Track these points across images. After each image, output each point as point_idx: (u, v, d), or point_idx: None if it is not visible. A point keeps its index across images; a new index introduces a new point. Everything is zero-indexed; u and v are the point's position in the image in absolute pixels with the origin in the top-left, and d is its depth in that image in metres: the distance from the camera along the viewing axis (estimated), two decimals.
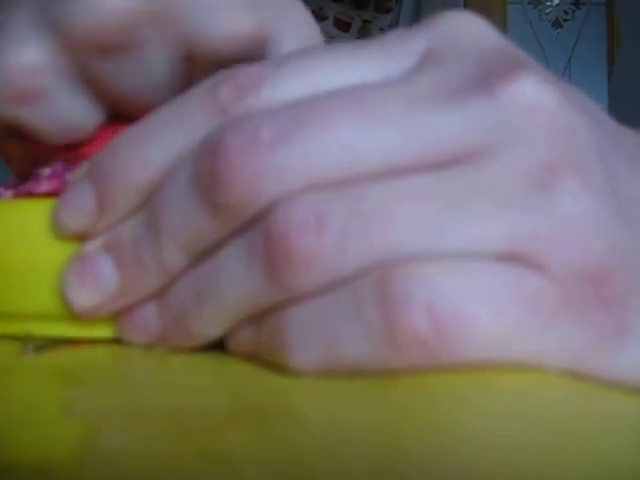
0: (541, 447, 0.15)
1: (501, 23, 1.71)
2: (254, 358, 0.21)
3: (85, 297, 0.23)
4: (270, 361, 0.20)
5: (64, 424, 0.18)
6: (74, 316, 0.24)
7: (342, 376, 0.19)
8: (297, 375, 0.20)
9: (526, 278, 0.19)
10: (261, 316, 0.21)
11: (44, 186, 0.26)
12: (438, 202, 0.19)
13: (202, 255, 0.21)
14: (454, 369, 0.19)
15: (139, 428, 0.17)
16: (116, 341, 0.24)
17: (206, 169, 0.20)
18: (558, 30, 1.81)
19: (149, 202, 0.22)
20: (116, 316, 0.23)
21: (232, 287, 0.21)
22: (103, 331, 0.24)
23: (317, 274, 0.19)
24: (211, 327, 0.21)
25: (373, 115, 0.20)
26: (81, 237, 0.23)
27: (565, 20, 1.82)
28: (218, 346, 0.22)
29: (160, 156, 0.22)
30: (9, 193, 0.27)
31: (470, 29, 0.22)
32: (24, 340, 0.24)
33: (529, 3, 1.81)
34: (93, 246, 0.23)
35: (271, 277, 0.20)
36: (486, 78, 0.20)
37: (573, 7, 1.81)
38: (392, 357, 0.19)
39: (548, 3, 1.81)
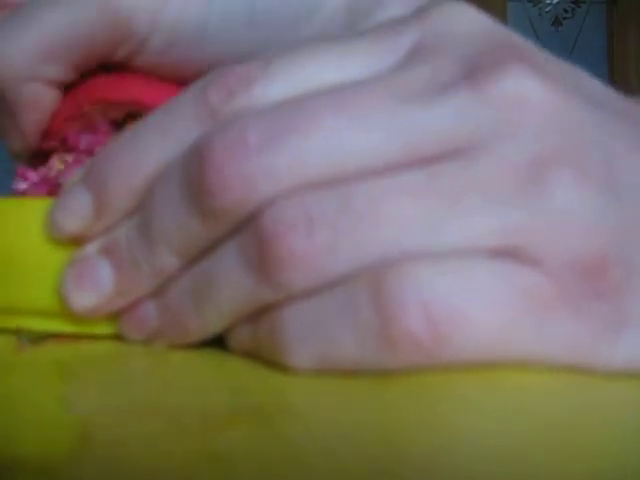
0: (541, 445, 0.15)
1: (500, 21, 1.70)
2: (253, 355, 0.21)
3: (84, 299, 0.23)
4: (269, 359, 0.21)
5: (63, 421, 0.18)
6: (71, 312, 0.24)
7: (342, 375, 0.19)
8: (297, 374, 0.20)
9: (520, 274, 0.19)
10: (258, 314, 0.21)
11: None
12: (429, 199, 0.19)
13: (196, 257, 0.21)
14: (453, 368, 0.19)
15: (138, 426, 0.17)
16: (116, 337, 0.24)
17: (195, 174, 0.20)
18: (558, 28, 1.81)
19: (141, 206, 0.22)
20: (115, 313, 0.23)
21: (228, 287, 0.21)
22: (102, 328, 0.24)
23: (309, 274, 0.19)
24: (208, 325, 0.22)
25: (360, 113, 0.20)
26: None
27: (565, 18, 1.82)
28: (218, 343, 0.22)
29: (154, 161, 0.22)
30: None
31: (462, 20, 0.22)
32: (19, 333, 0.24)
33: (529, 1, 1.81)
34: (90, 249, 0.23)
35: (264, 278, 0.20)
36: (474, 73, 0.20)
37: (573, 5, 1.81)
38: (388, 358, 0.19)
39: (548, 1, 1.81)
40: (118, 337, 0.24)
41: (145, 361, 0.22)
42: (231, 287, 0.20)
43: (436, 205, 0.19)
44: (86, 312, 0.23)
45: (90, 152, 0.28)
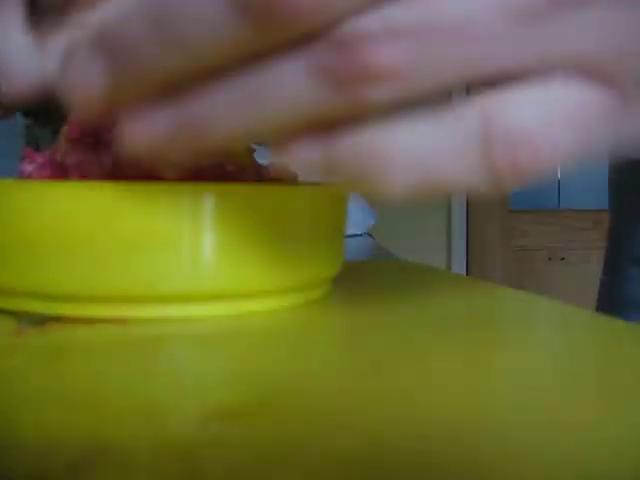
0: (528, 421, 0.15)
1: None
2: (320, 177, 0.20)
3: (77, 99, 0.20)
4: (348, 182, 0.20)
5: (62, 404, 0.18)
6: (71, 296, 0.24)
7: (342, 364, 0.19)
8: (296, 362, 0.20)
9: (596, 92, 0.19)
10: (335, 135, 0.20)
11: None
12: (509, 17, 0.19)
13: (223, 66, 0.19)
14: (454, 355, 0.19)
15: (137, 409, 0.17)
16: (114, 321, 0.24)
17: None
18: None
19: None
20: (113, 297, 0.23)
21: (288, 95, 0.19)
22: (101, 311, 0.24)
23: (398, 88, 0.18)
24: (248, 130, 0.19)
25: None
26: (84, 211, 0.23)
27: None
28: (221, 335, 0.22)
29: None
30: None
31: None
32: (20, 316, 0.24)
33: None
34: (83, 41, 0.20)
35: (344, 91, 0.18)
36: None
37: None
38: (487, 181, 0.19)
39: None
40: (117, 321, 0.24)
41: (144, 346, 0.22)
42: (293, 96, 0.19)
43: (516, 23, 0.19)
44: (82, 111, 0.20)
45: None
